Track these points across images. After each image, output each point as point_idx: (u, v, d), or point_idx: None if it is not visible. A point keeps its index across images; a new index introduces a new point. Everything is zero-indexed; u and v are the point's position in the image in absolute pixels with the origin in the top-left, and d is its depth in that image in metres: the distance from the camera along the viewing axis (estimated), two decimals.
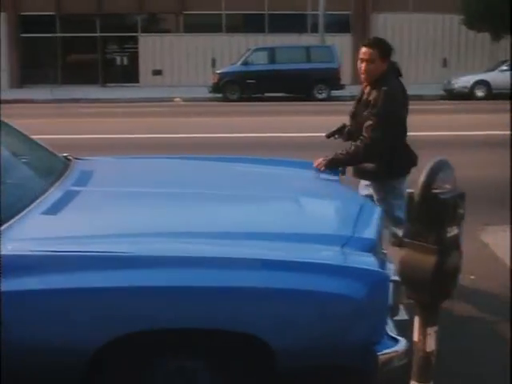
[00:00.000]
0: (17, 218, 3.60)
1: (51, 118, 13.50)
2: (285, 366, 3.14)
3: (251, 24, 30.79)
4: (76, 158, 4.93)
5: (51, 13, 30.26)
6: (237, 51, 27.58)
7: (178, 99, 25.02)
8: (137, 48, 30.96)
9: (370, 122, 4.95)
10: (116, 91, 27.66)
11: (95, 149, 10.85)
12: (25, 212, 3.68)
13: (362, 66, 5.02)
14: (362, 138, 4.96)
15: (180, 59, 30.22)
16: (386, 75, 5.05)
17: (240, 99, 23.17)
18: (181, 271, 3.14)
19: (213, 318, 3.12)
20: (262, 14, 30.78)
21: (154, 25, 32.15)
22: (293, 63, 24.21)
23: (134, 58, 31.15)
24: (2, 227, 3.47)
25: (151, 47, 30.73)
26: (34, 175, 4.53)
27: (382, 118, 4.92)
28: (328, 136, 5.58)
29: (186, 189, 4.35)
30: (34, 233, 3.50)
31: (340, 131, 5.46)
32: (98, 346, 3.16)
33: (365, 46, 5.04)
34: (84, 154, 5.23)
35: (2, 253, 3.24)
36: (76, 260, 3.19)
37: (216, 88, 24.55)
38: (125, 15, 31.55)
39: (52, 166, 4.61)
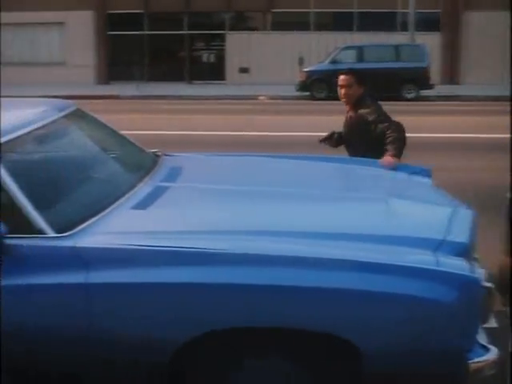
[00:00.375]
0: (106, 211, 3.65)
1: (137, 114, 13.73)
2: (372, 370, 3.08)
3: (340, 22, 30.56)
4: (165, 154, 4.96)
5: (139, 11, 30.81)
6: (324, 49, 27.42)
7: (262, 97, 25.06)
8: (224, 46, 31.19)
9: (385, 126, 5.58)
10: (202, 88, 27.95)
11: (181, 145, 10.97)
12: (114, 206, 3.72)
13: (342, 91, 5.79)
14: (391, 128, 5.52)
15: (267, 57, 30.25)
16: (363, 98, 5.79)
17: (327, 98, 23.00)
18: (271, 270, 3.12)
19: (301, 318, 3.09)
20: (350, 12, 30.51)
21: (241, 23, 32.31)
22: (381, 62, 23.89)
23: (220, 56, 31.41)
24: (91, 220, 3.53)
25: (238, 45, 30.89)
26: (123, 170, 4.58)
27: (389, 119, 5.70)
28: (321, 141, 6.14)
29: (275, 187, 4.32)
30: (122, 227, 3.53)
31: (330, 138, 6.07)
32: (183, 341, 3.18)
33: (342, 74, 5.85)
34: (169, 150, 5.26)
35: (92, 245, 3.29)
36: (164, 255, 3.22)
37: (303, 86, 24.46)
38: (212, 13, 31.82)
39: (141, 162, 4.66)
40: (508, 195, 3.98)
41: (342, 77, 5.81)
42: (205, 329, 3.13)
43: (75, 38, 30.45)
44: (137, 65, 30.82)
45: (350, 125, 5.91)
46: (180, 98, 24.76)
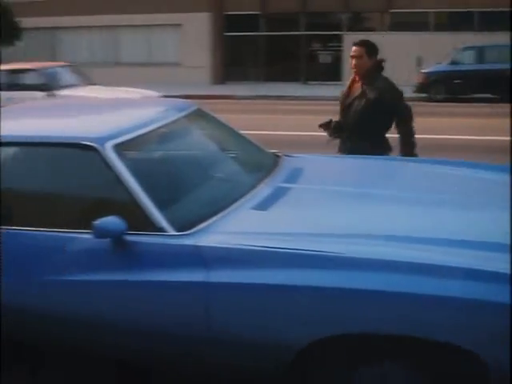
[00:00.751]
0: (226, 211, 3.63)
1: (253, 114, 13.75)
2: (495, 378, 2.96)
3: (459, 22, 29.73)
4: (285, 155, 4.91)
5: (256, 12, 31.05)
6: (443, 50, 26.73)
7: None
8: (341, 46, 30.95)
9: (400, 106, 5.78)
10: (318, 89, 27.84)
11: (297, 145, 10.94)
12: (234, 206, 3.70)
13: (353, 61, 5.80)
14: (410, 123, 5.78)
15: (384, 57, 29.76)
16: (372, 70, 5.85)
17: (445, 100, 22.41)
18: (392, 276, 3.02)
19: (425, 326, 2.98)
20: (470, 12, 29.62)
21: (358, 23, 31.98)
22: (503, 63, 23.04)
23: (337, 57, 31.19)
24: (212, 220, 3.51)
25: None
26: (243, 170, 4.56)
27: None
28: (320, 126, 6.07)
29: (397, 191, 4.17)
30: (242, 227, 3.50)
31: (327, 125, 6.01)
32: (302, 346, 3.13)
33: (355, 44, 5.87)
34: (286, 150, 5.21)
35: (212, 245, 3.28)
36: (285, 257, 3.18)
37: (421, 87, 23.89)
38: (330, 14, 31.65)
39: (262, 162, 4.63)
40: None
41: (354, 48, 5.87)
42: (330, 331, 3.08)
43: (191, 39, 31.02)
44: (252, 65, 31.05)
45: (359, 99, 5.84)
46: (295, 98, 24.75)
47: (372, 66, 5.88)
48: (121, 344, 3.61)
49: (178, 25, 31.31)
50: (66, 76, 16.09)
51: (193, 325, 3.30)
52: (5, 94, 14.40)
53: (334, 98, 21.94)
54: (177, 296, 3.31)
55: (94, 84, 16.11)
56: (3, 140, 4.03)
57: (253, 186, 4.03)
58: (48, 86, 15.19)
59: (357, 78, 5.94)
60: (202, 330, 3.27)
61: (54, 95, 14.60)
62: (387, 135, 5.98)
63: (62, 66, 16.78)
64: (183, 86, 25.93)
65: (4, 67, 16.41)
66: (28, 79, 15.76)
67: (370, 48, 5.89)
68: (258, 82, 29.83)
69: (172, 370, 3.70)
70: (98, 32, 33.34)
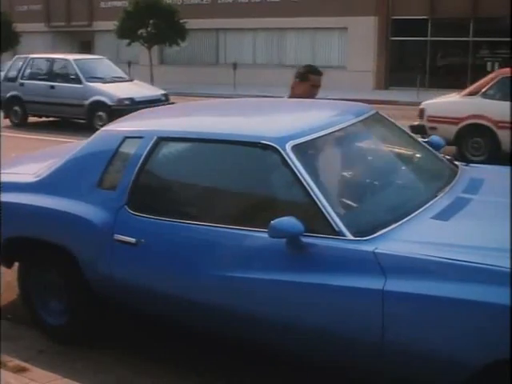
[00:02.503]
0: (406, 219, 3.55)
1: (414, 121, 13.42)
2: None
3: None
4: (463, 164, 4.74)
5: (424, 16, 30.40)
6: None
7: None
8: (510, 53, 29.76)
9: None
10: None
11: None
12: (414, 214, 3.61)
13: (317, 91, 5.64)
14: None
15: None
16: None
17: None
18: None
19: None
20: None
21: None
22: None
23: (505, 64, 30.00)
24: (391, 227, 3.43)
25: None
26: (423, 178, 4.45)
27: None
28: None
29: None
30: (423, 236, 3.42)
31: None
32: (477, 367, 2.98)
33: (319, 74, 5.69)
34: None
35: (391, 252, 3.21)
36: (466, 270, 3.06)
37: None
38: (499, 19, 30.48)
39: (441, 171, 4.49)
40: None
41: (318, 77, 5.71)
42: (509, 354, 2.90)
43: (357, 43, 30.85)
44: (418, 71, 30.41)
45: None
46: None
47: None
48: (284, 343, 3.62)
49: (344, 28, 31.28)
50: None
51: (366, 332, 3.25)
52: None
53: None
54: (352, 302, 3.27)
55: None
56: (188, 136, 4.15)
57: (433, 195, 3.91)
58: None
59: None
60: (375, 338, 3.21)
61: None
62: None
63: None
64: (347, 90, 25.83)
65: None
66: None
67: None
68: (423, 89, 29.20)
69: (339, 374, 3.66)
70: (263, 34, 33.92)
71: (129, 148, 4.26)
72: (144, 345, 4.59)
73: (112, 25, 32.78)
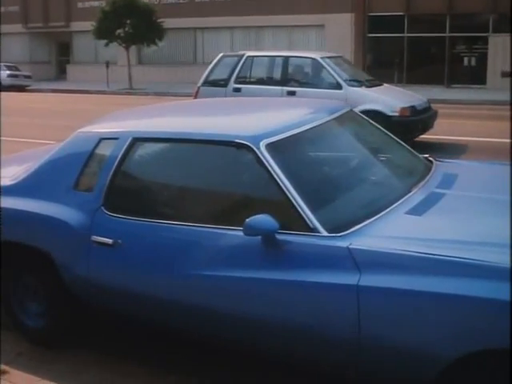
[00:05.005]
0: (380, 215, 3.58)
1: None
2: None
3: None
4: (436, 160, 4.79)
5: (400, 13, 30.57)
6: None
7: None
8: (486, 49, 29.97)
9: None
10: (460, 93, 27.06)
11: (442, 150, 10.67)
12: (388, 210, 3.64)
13: None
14: None
15: None
16: None
17: None
18: None
19: None
20: None
21: (505, 25, 30.83)
22: None
23: (482, 59, 30.22)
24: (365, 223, 3.46)
25: (501, 48, 29.51)
26: (396, 174, 4.49)
27: None
28: None
29: None
30: (398, 232, 3.45)
31: None
32: (449, 360, 3.01)
33: None
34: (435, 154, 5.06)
35: (365, 248, 3.23)
36: (440, 264, 3.08)
37: None
38: (475, 15, 30.70)
39: (415, 167, 4.54)
40: None
41: None
42: (483, 346, 2.95)
43: (334, 39, 30.96)
44: (395, 67, 30.58)
45: None
46: (438, 101, 24.12)
47: None
48: (261, 341, 3.65)
49: (321, 25, 31.39)
50: None
51: (341, 328, 3.27)
52: None
53: (479, 102, 21.25)
54: (327, 297, 3.29)
55: None
56: (163, 136, 4.17)
57: (407, 191, 3.95)
58: None
59: None
60: (351, 333, 3.23)
61: None
62: None
63: None
64: None
65: None
66: None
67: None
68: (400, 85, 29.33)
69: (314, 370, 3.69)
70: (240, 32, 33.97)
71: (104, 149, 4.27)
72: (124, 345, 4.60)
73: (90, 25, 32.67)
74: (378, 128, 4.94)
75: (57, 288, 4.37)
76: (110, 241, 3.99)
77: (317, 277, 3.29)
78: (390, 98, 12.78)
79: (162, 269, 3.83)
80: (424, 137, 12.78)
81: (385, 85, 14.39)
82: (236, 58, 14.03)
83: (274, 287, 3.43)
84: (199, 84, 14.00)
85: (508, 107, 21.53)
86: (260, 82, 13.81)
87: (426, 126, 12.75)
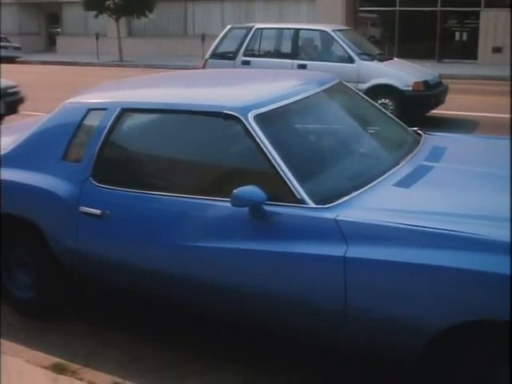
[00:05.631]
0: (367, 187, 3.59)
1: None
2: None
3: None
4: (426, 133, 4.79)
5: None
6: None
7: None
8: (478, 23, 29.86)
9: None
10: (452, 67, 27.01)
11: (430, 125, 10.66)
12: (376, 182, 3.65)
13: None
14: None
15: None
16: None
17: None
18: None
19: None
20: None
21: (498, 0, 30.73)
22: None
23: (473, 34, 30.12)
24: (353, 194, 3.47)
25: (493, 23, 29.42)
26: (385, 147, 4.50)
27: None
28: None
29: None
30: (385, 204, 3.46)
31: None
32: (437, 331, 3.04)
33: None
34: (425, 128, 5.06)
35: (352, 219, 3.24)
36: (425, 236, 3.09)
37: None
38: None
39: (403, 139, 4.54)
40: None
41: None
42: (469, 317, 2.98)
43: (325, 14, 30.74)
44: (387, 42, 30.42)
45: None
46: None
47: None
48: (248, 311, 3.67)
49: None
50: None
51: (328, 299, 3.28)
52: None
53: (470, 77, 21.18)
54: (314, 269, 3.31)
55: None
56: (151, 107, 4.16)
57: (395, 163, 3.96)
58: None
59: None
60: (338, 305, 3.25)
61: None
62: None
63: None
64: None
65: None
66: None
67: None
68: None
69: (301, 342, 3.71)
70: (231, 5, 33.70)
71: (93, 120, 4.26)
72: (114, 316, 4.62)
73: None
74: (368, 100, 4.94)
75: (46, 259, 4.37)
76: (98, 211, 3.99)
77: (304, 248, 3.31)
78: (403, 73, 12.56)
79: (149, 239, 3.84)
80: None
81: (395, 59, 14.15)
82: (245, 30, 13.70)
83: (261, 258, 3.44)
84: (207, 56, 13.65)
85: (499, 82, 21.60)
86: (269, 55, 13.47)
87: (438, 100, 12.79)
